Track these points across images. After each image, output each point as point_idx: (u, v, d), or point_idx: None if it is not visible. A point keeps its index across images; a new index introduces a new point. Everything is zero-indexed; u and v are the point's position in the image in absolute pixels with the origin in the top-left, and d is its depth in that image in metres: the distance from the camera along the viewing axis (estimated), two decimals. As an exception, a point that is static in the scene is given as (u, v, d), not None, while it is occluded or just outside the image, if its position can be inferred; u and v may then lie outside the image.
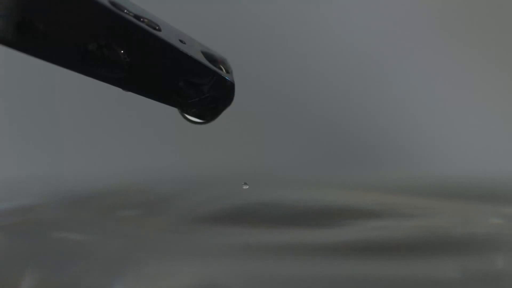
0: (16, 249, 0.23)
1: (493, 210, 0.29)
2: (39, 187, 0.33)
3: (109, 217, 0.28)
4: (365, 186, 0.34)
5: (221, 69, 0.22)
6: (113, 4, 0.20)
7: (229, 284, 0.20)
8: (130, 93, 0.21)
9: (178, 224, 0.27)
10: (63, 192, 0.32)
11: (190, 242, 0.24)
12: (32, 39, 0.19)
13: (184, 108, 0.22)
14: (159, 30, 0.21)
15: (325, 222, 0.27)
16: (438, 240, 0.24)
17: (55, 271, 0.20)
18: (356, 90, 0.40)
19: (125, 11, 0.20)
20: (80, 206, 0.30)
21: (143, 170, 0.35)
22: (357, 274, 0.20)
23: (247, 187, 0.29)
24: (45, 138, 0.37)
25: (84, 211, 0.29)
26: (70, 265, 0.21)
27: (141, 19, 0.20)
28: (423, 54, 0.40)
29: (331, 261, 0.21)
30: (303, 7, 0.39)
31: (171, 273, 0.20)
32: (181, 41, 0.21)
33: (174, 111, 0.22)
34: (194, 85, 0.21)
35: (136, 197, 0.31)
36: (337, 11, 0.40)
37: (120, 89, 0.21)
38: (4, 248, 0.24)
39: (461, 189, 0.33)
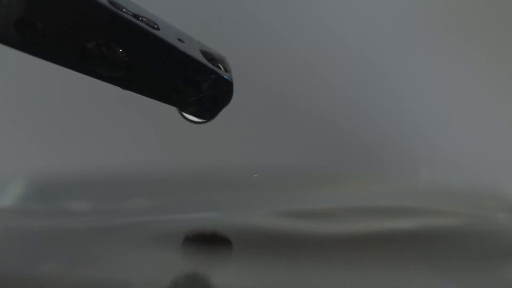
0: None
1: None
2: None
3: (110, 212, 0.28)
4: (365, 188, 0.34)
5: (220, 68, 0.22)
6: (112, 3, 0.20)
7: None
8: (128, 92, 0.21)
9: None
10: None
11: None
12: (31, 38, 0.19)
13: (183, 107, 0.22)
14: (158, 29, 0.21)
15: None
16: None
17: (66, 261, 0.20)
18: (356, 90, 0.40)
19: (124, 10, 0.20)
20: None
21: (141, 168, 0.35)
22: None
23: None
24: (44, 137, 0.37)
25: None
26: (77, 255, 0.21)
27: (140, 18, 0.20)
28: (425, 55, 0.40)
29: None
30: (302, 6, 0.39)
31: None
32: (179, 40, 0.21)
33: (173, 110, 0.22)
34: (193, 83, 0.21)
35: (135, 194, 0.32)
36: (337, 10, 0.40)
37: (118, 88, 0.21)
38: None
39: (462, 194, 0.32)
